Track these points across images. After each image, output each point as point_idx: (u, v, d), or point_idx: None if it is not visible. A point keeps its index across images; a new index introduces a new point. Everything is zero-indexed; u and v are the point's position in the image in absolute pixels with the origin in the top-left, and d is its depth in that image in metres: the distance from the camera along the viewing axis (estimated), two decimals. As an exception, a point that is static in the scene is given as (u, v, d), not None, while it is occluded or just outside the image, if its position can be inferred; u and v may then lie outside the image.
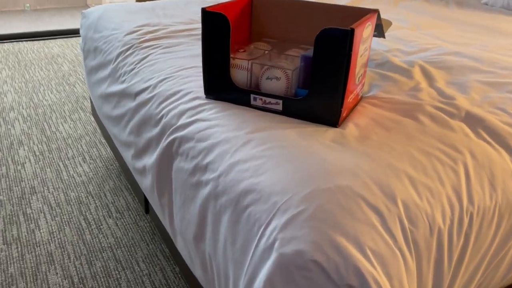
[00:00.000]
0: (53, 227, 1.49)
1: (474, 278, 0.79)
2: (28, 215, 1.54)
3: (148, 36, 1.34)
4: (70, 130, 2.10)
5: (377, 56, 1.23)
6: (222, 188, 0.78)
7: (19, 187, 1.68)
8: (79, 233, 1.46)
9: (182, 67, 1.14)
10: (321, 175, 0.70)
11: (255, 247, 0.69)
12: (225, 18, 0.88)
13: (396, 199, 0.68)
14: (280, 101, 0.89)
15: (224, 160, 0.81)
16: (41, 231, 1.47)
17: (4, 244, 1.40)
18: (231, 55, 0.93)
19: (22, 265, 1.33)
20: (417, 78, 1.09)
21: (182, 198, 0.93)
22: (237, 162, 0.78)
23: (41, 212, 1.55)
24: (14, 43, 3.41)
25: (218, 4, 0.94)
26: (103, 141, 2.01)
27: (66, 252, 1.38)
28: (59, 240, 1.43)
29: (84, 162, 1.85)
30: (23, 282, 1.27)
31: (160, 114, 1.02)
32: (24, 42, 3.45)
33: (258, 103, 0.92)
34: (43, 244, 1.41)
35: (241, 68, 0.93)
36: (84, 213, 1.55)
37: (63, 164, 1.84)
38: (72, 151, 1.93)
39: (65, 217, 1.53)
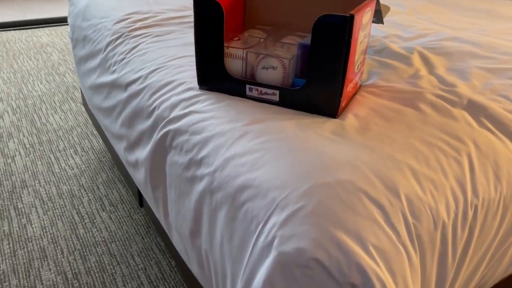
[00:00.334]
0: (45, 222, 1.46)
1: (478, 270, 0.78)
2: (20, 210, 1.50)
3: (138, 24, 1.30)
4: (61, 122, 2.06)
5: (375, 43, 1.20)
6: (218, 183, 0.76)
7: (9, 181, 1.65)
8: (72, 227, 1.43)
9: (174, 56, 1.10)
10: (320, 169, 0.68)
11: (253, 244, 0.67)
12: (218, 5, 0.84)
13: (399, 192, 0.66)
14: (277, 92, 0.86)
15: (220, 154, 0.78)
16: (33, 226, 1.44)
17: (-5, 240, 1.38)
18: (225, 44, 0.89)
19: (14, 262, 1.30)
20: (417, 65, 1.06)
21: (177, 192, 0.90)
22: (233, 156, 0.75)
23: (33, 207, 1.52)
24: (2, 32, 3.33)
25: (210, -10, 0.90)
26: (95, 132, 1.97)
27: (59, 247, 1.36)
28: (52, 235, 1.40)
29: (76, 154, 1.81)
30: (16, 279, 1.24)
31: (152, 106, 0.99)
32: (12, 31, 3.37)
33: (254, 93, 0.89)
34: (36, 240, 1.38)
35: (235, 57, 0.89)
36: (77, 207, 1.52)
37: (54, 156, 1.80)
38: (64, 143, 1.89)
39: (57, 211, 1.50)
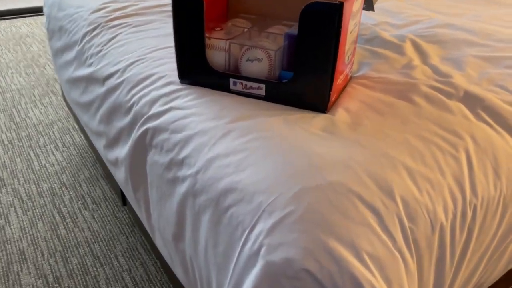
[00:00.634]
0: (24, 222, 1.39)
1: (476, 271, 0.74)
2: (-2, 210, 1.44)
3: (116, 14, 1.23)
4: (41, 116, 1.98)
5: (366, 31, 1.15)
6: (201, 186, 0.70)
7: (-13, 179, 1.58)
8: (53, 228, 1.38)
9: (154, 47, 1.04)
10: (310, 170, 0.63)
11: (239, 252, 0.62)
12: (197, -8, 0.78)
13: (394, 194, 0.61)
14: (263, 85, 0.81)
15: (202, 154, 0.72)
16: (12, 227, 1.38)
17: (-29, 243, 1.31)
18: (207, 35, 0.83)
19: (-8, 266, 1.24)
20: (409, 54, 1.01)
21: (159, 194, 0.85)
22: (216, 157, 0.70)
23: (12, 207, 1.46)
24: (-21, 22, 3.21)
25: (189, -23, 0.84)
26: (77, 126, 1.90)
27: (39, 249, 1.30)
28: (32, 236, 1.34)
29: (56, 150, 1.75)
30: (-7, 284, 1.19)
31: (131, 102, 0.93)
32: (-11, 21, 3.25)
33: (238, 87, 0.83)
34: (14, 241, 1.32)
35: (218, 49, 0.83)
36: (58, 206, 1.46)
37: (34, 153, 1.73)
38: (44, 138, 1.82)
39: (37, 211, 1.44)
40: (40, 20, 3.30)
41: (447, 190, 0.65)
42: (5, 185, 1.55)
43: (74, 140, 1.81)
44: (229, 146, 0.70)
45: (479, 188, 0.68)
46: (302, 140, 0.69)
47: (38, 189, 1.54)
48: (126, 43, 1.09)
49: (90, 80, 1.12)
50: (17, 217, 1.41)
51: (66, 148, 1.75)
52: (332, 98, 0.79)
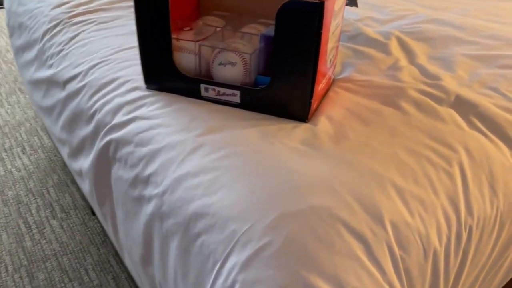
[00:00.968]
0: (-13, 235, 1.30)
1: (470, 293, 0.69)
2: (-43, 221, 1.34)
3: (79, 9, 1.13)
4: (7, 116, 1.87)
5: (348, 27, 1.07)
6: (168, 208, 0.63)
7: None
8: (18, 239, 1.28)
9: (119, 47, 0.95)
10: (290, 192, 0.56)
11: (210, 287, 0.55)
12: (162, -11, 0.70)
13: (383, 219, 0.55)
14: (237, 92, 0.73)
15: (169, 172, 0.65)
16: (-27, 240, 1.28)
17: None
18: (174, 36, 0.75)
19: (-50, 284, 1.15)
20: (395, 53, 0.94)
21: (124, 211, 0.77)
22: (184, 176, 0.62)
23: (-27, 217, 1.36)
24: None
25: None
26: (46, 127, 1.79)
27: (3, 263, 1.21)
28: (-6, 250, 1.25)
29: (23, 153, 1.64)
30: (-49, 305, 1.09)
31: (93, 109, 0.84)
32: (-46, 13, 3.08)
33: (211, 94, 0.75)
34: (-25, 256, 1.23)
35: (187, 51, 0.75)
36: (23, 215, 1.37)
37: (-2, 157, 1.62)
38: (10, 141, 1.71)
39: (1, 222, 1.34)
40: (9, 11, 3.14)
41: (440, 211, 0.59)
42: (-34, 193, 1.45)
43: (43, 142, 1.70)
44: (199, 164, 0.63)
45: (474, 206, 0.62)
46: (280, 157, 0.62)
47: (3, 197, 1.44)
48: (89, 42, 0.99)
49: (51, 83, 1.03)
50: (-21, 228, 1.32)
51: (34, 151, 1.65)
52: (314, 105, 0.72)
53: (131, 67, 0.87)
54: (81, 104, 0.88)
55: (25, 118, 1.85)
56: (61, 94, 0.97)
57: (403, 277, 0.54)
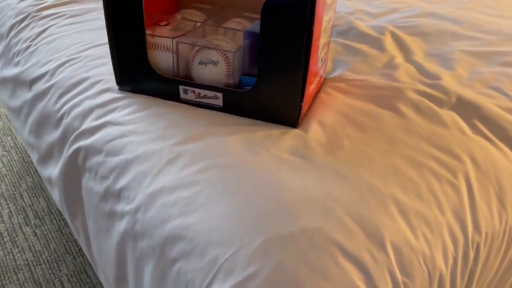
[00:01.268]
0: (-47, 244, 1.21)
1: (475, 314, 0.63)
2: None
3: (49, 1, 1.04)
4: (-21, 114, 1.76)
5: (339, 21, 1.01)
6: (142, 227, 0.56)
7: None
8: (-13, 249, 1.20)
9: (91, 44, 0.86)
10: (278, 212, 0.49)
11: (189, 321, 0.48)
12: (133, -21, 0.62)
13: (384, 242, 0.49)
14: (220, 94, 0.66)
15: (143, 186, 0.57)
16: None
17: None
18: (148, 32, 0.67)
19: None
20: (390, 50, 0.88)
21: (96, 226, 0.70)
22: (160, 191, 0.55)
23: None
24: None
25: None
26: (20, 126, 1.70)
27: (-30, 276, 1.12)
28: (-39, 260, 1.16)
29: (-5, 154, 1.55)
30: None
31: (61, 112, 0.76)
32: None
33: (190, 96, 0.68)
34: None
35: (163, 49, 0.68)
36: (-6, 222, 1.28)
37: (-32, 158, 1.52)
38: (-19, 141, 1.61)
39: (-31, 229, 1.26)
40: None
41: (446, 229, 0.53)
42: None
43: (16, 142, 1.61)
44: (176, 178, 0.56)
45: (482, 222, 0.56)
46: (267, 170, 0.55)
47: (-28, 202, 1.35)
48: (58, 37, 0.91)
49: (17, 82, 0.94)
50: None
51: (6, 152, 1.56)
52: (304, 108, 0.65)
53: (103, 65, 0.79)
54: (48, 107, 0.80)
55: (-2, 116, 1.75)
56: (28, 94, 0.89)
57: (407, 306, 0.48)
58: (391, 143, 0.61)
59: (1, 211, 1.32)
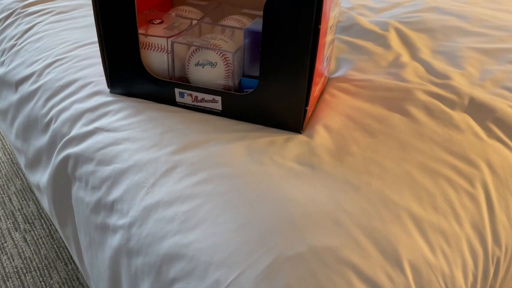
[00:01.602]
0: None
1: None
2: None
3: (35, -3, 0.99)
4: (-35, 114, 1.70)
5: (341, 17, 0.96)
6: (137, 244, 0.52)
7: None
8: (-26, 256, 1.15)
9: (80, 42, 0.82)
10: (286, 229, 0.45)
11: None
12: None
13: (401, 260, 0.45)
14: (219, 98, 0.62)
15: (137, 199, 0.53)
16: None
17: None
18: (141, 31, 0.63)
19: None
20: (396, 47, 0.84)
21: (88, 238, 0.66)
22: (156, 205, 0.51)
23: None
24: None
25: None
26: (8, 125, 1.64)
27: (-43, 285, 1.08)
28: None
29: (-18, 156, 1.49)
30: None
31: (48, 117, 0.71)
32: None
33: (187, 100, 0.64)
34: None
35: (157, 49, 0.63)
36: (-18, 227, 1.23)
37: (-46, 160, 1.47)
38: (-33, 142, 1.56)
39: (-44, 235, 1.20)
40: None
41: (465, 244, 0.49)
42: None
43: (4, 143, 1.55)
44: (173, 190, 0.51)
45: (502, 234, 0.52)
46: (273, 181, 0.51)
47: (-42, 206, 1.29)
48: (44, 36, 0.86)
49: (3, 83, 0.89)
50: None
51: (-6, 153, 1.50)
52: (308, 112, 0.61)
53: (93, 66, 0.74)
54: (35, 110, 0.75)
55: (-15, 116, 1.69)
56: (14, 97, 0.84)
57: (426, 329, 0.45)
58: (403, 149, 0.57)
59: (-11, 215, 1.27)
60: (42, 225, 1.25)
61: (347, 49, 0.84)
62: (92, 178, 0.60)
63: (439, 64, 0.78)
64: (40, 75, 0.77)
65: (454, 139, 0.59)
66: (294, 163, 0.54)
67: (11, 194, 1.34)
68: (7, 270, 1.12)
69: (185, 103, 0.64)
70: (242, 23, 0.68)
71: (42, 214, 1.28)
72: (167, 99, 0.64)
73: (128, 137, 0.60)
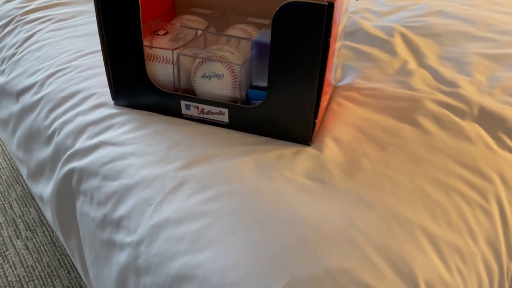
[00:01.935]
0: None
1: None
2: None
3: (35, 4, 0.97)
4: (-36, 119, 1.69)
5: (345, 22, 0.95)
6: (145, 262, 0.51)
7: None
8: (-24, 265, 1.14)
9: (81, 51, 0.80)
10: (300, 250, 0.44)
11: None
12: (129, -14, 0.56)
13: (417, 280, 0.44)
14: (226, 110, 0.60)
15: (145, 216, 0.52)
16: None
17: None
18: (146, 43, 0.62)
19: None
20: (402, 53, 0.83)
21: (93, 253, 0.64)
22: (164, 223, 0.50)
23: None
24: None
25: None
26: (7, 130, 1.62)
27: (-41, 295, 1.07)
28: (-51, 278, 1.10)
29: (-18, 162, 1.48)
30: None
31: (51, 129, 0.70)
32: None
33: (193, 112, 0.62)
34: None
35: (163, 61, 0.62)
36: (-17, 236, 1.22)
37: (-47, 167, 1.45)
38: (-34, 147, 1.54)
39: (-44, 244, 1.19)
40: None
41: (480, 261, 0.48)
42: None
43: (4, 148, 1.54)
44: (182, 208, 0.50)
45: (516, 249, 0.51)
46: (284, 198, 0.50)
47: (-42, 214, 1.28)
48: (46, 44, 0.84)
49: (3, 92, 0.88)
50: None
51: (-7, 159, 1.49)
52: (317, 124, 0.60)
53: (96, 76, 0.73)
54: (37, 122, 0.74)
55: (-16, 121, 1.67)
56: (15, 107, 0.82)
57: None
58: (415, 162, 0.56)
59: (-10, 223, 1.25)
60: (43, 232, 1.23)
61: (352, 55, 0.83)
62: (97, 193, 0.59)
63: (447, 71, 0.77)
64: (42, 85, 0.76)
65: (465, 151, 0.58)
66: (305, 178, 0.53)
67: (12, 201, 1.33)
68: (10, 279, 1.11)
69: (191, 116, 0.63)
70: (248, 33, 0.66)
71: (44, 220, 1.27)
72: (173, 112, 0.63)
73: (134, 152, 0.58)
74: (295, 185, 0.52)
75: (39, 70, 0.79)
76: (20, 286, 1.09)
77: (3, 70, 0.88)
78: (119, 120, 0.64)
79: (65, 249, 1.18)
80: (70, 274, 1.12)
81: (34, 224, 1.26)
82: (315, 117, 0.58)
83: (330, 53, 0.55)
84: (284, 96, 0.57)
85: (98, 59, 0.78)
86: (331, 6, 0.50)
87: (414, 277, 0.44)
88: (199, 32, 0.66)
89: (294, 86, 0.56)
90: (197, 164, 0.55)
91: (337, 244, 0.45)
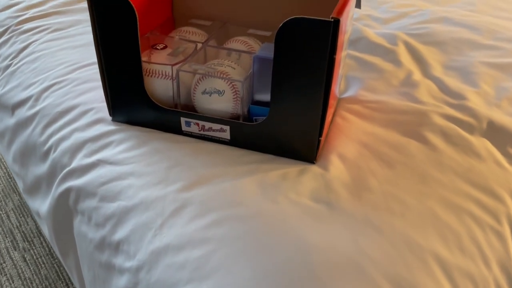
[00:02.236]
0: None
1: None
2: None
3: (30, 12, 0.95)
4: (-41, 126, 1.66)
5: (347, 29, 0.93)
6: (145, 290, 0.49)
7: None
8: (-28, 278, 1.12)
9: (78, 64, 0.78)
10: (307, 279, 0.42)
11: None
12: (127, 3, 0.54)
13: (430, 310, 0.42)
14: (227, 127, 0.59)
15: (145, 241, 0.50)
16: None
17: None
18: (144, 58, 0.60)
19: None
20: (406, 63, 0.81)
21: (92, 273, 0.63)
22: (165, 249, 0.48)
23: None
24: None
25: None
26: (4, 138, 1.60)
27: (-45, 309, 1.05)
28: None
29: (-22, 170, 1.45)
30: None
31: (47, 145, 0.68)
32: None
33: (193, 129, 0.61)
34: None
35: (161, 76, 0.60)
36: (-21, 247, 1.20)
37: (-51, 176, 1.43)
38: (-38, 156, 1.52)
39: (-48, 256, 1.17)
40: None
41: (493, 286, 0.47)
42: None
43: (0, 157, 1.51)
44: (183, 233, 0.49)
45: (530, 273, 0.50)
46: (289, 223, 0.48)
47: (-46, 225, 1.26)
48: (41, 56, 0.82)
49: (-2, 104, 0.86)
50: None
51: (-10, 168, 1.46)
52: (322, 140, 0.58)
53: (93, 90, 0.71)
54: (33, 137, 0.72)
55: (-20, 128, 1.65)
56: (10, 120, 0.80)
57: None
58: (423, 182, 0.54)
59: (-13, 234, 1.23)
60: (41, 243, 1.21)
61: (356, 65, 0.81)
62: (95, 214, 0.57)
63: (453, 82, 0.75)
64: (37, 99, 0.74)
65: (475, 168, 0.57)
66: (310, 201, 0.51)
67: (9, 211, 1.31)
68: (7, 293, 1.09)
69: (191, 132, 0.61)
70: (249, 46, 0.64)
71: (41, 231, 1.25)
72: (173, 128, 0.61)
73: (132, 172, 0.57)
74: (300, 208, 0.50)
75: (34, 83, 0.77)
76: (17, 299, 1.07)
77: (-2, 82, 0.86)
78: (117, 138, 0.62)
79: (63, 260, 1.16)
80: (68, 287, 1.10)
81: (32, 235, 1.24)
82: (320, 135, 0.56)
83: (336, 66, 0.53)
84: (287, 113, 0.56)
85: (95, 71, 0.76)
86: (336, 22, 0.48)
87: (426, 307, 0.42)
88: (199, 45, 0.64)
89: (298, 102, 0.54)
90: (198, 186, 0.53)
91: (346, 274, 0.43)
